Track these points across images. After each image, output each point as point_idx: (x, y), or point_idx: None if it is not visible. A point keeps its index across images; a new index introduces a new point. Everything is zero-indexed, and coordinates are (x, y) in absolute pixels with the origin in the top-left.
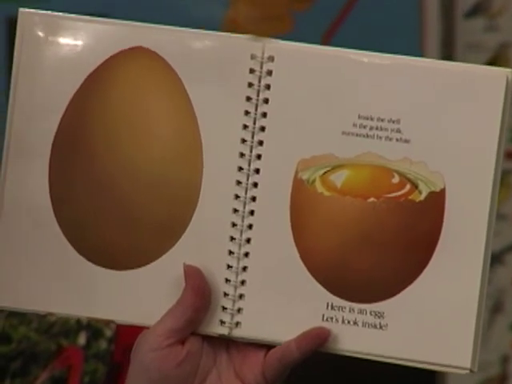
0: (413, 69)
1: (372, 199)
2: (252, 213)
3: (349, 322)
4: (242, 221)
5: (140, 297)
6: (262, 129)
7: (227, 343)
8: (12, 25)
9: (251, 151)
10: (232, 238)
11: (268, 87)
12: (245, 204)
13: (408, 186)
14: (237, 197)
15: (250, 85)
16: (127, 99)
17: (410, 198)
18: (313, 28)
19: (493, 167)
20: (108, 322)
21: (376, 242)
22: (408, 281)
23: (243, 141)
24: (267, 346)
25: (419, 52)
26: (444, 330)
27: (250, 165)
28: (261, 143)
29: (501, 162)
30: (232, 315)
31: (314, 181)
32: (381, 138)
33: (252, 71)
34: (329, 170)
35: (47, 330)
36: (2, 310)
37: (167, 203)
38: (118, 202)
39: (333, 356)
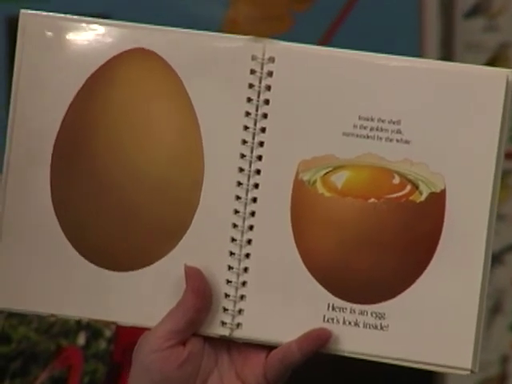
0: (413, 70)
1: (372, 200)
2: (253, 214)
3: (350, 323)
4: (243, 222)
5: (141, 298)
6: (263, 130)
7: (228, 344)
8: (12, 25)
9: (252, 152)
10: (233, 239)
11: (269, 88)
12: (246, 205)
13: (408, 187)
14: (238, 198)
15: (251, 86)
16: (128, 101)
17: (410, 198)
18: (313, 28)
19: (493, 168)
20: (110, 324)
21: (376, 242)
22: (409, 282)
23: (244, 142)
24: (268, 347)
25: (419, 52)
26: (445, 331)
27: (250, 166)
28: (261, 144)
29: (501, 162)
30: (233, 316)
31: (314, 182)
32: (381, 138)
33: (253, 72)
34: (329, 171)
35: (47, 330)
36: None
37: (168, 204)
38: (119, 203)
39: (331, 356)
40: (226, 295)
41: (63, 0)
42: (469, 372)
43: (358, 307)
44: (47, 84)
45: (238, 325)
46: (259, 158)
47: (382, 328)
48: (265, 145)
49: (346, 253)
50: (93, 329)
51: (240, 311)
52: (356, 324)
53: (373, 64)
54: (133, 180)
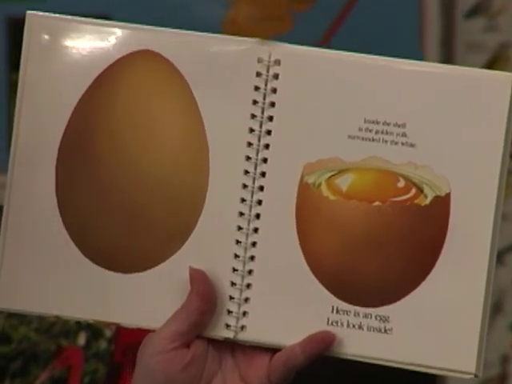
0: (419, 73)
1: (377, 203)
2: (258, 216)
3: (354, 326)
4: (248, 224)
5: (145, 300)
6: (268, 132)
7: (232, 347)
8: (12, 25)
9: (257, 154)
10: (238, 242)
11: (274, 91)
12: (251, 207)
13: (413, 190)
14: (243, 200)
15: (257, 88)
16: (133, 102)
17: (415, 202)
18: (313, 28)
19: (498, 171)
20: (113, 325)
21: (381, 246)
22: (413, 285)
23: (249, 144)
24: (272, 350)
25: (419, 52)
26: (449, 335)
27: (256, 168)
28: (267, 147)
29: (506, 165)
30: (237, 319)
31: (319, 184)
32: (386, 141)
33: (258, 75)
34: (334, 174)
35: (47, 330)
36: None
37: (173, 206)
38: (124, 205)
39: (334, 358)
40: (231, 297)
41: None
42: (472, 376)
43: (362, 310)
44: (53, 85)
45: (243, 327)
46: (264, 160)
47: (385, 331)
48: (270, 147)
49: (350, 256)
50: (93, 329)
51: (244, 314)
52: (360, 327)
53: (379, 67)
54: (138, 182)
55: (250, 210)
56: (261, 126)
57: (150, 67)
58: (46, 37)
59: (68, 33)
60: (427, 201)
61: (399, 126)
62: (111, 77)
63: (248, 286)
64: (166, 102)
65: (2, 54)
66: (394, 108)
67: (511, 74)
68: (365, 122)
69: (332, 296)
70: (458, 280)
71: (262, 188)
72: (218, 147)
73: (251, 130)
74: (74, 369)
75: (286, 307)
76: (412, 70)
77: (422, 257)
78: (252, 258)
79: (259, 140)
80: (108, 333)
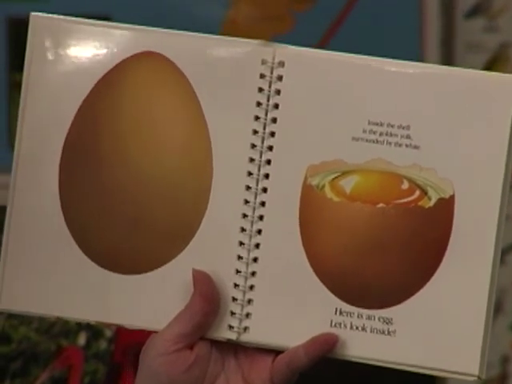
0: (423, 75)
1: (381, 205)
2: (261, 218)
3: (357, 328)
4: (251, 226)
5: (149, 301)
6: (272, 134)
7: (235, 348)
8: (12, 25)
9: (261, 156)
10: (241, 243)
11: (278, 92)
12: (254, 209)
13: (417, 193)
14: (246, 202)
15: (260, 90)
16: (137, 104)
17: (419, 204)
18: (313, 28)
19: (502, 174)
20: (116, 326)
21: (385, 247)
22: (417, 287)
23: (253, 146)
24: (275, 352)
25: (419, 52)
26: (452, 337)
27: (259, 170)
28: (271, 148)
29: (510, 168)
30: (240, 320)
31: (323, 186)
32: (390, 143)
33: (262, 76)
34: (338, 176)
35: (47, 331)
36: None
37: (176, 208)
38: (127, 206)
39: (337, 360)
40: (234, 299)
41: (64, 1)
42: (476, 378)
43: (365, 312)
44: (56, 86)
45: (246, 329)
46: (268, 162)
47: (389, 333)
48: (274, 149)
49: (353, 257)
50: (93, 329)
51: (247, 315)
52: (363, 329)
53: (383, 69)
54: (141, 184)
55: (254, 212)
56: (264, 128)
57: (153, 69)
58: (50, 38)
59: (72, 34)
60: (431, 203)
61: (403, 128)
62: (115, 78)
63: (251, 287)
64: (170, 104)
65: (2, 53)
66: (397, 110)
67: None
68: (369, 123)
69: (335, 298)
70: (461, 282)
71: (265, 190)
72: (222, 149)
73: (255, 132)
74: (74, 369)
75: (289, 309)
76: (417, 72)
77: (425, 259)
78: (255, 259)
79: (263, 142)
80: (108, 333)
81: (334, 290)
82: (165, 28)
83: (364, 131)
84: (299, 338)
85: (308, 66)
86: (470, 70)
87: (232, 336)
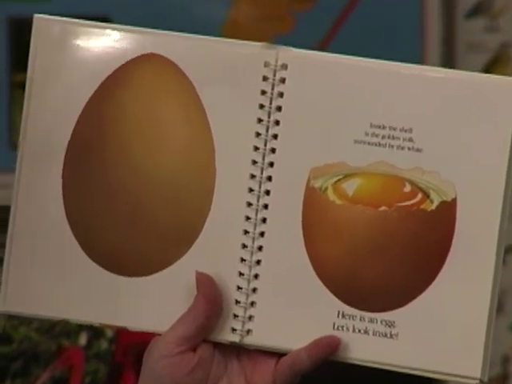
0: (425, 78)
1: (383, 208)
2: (264, 220)
3: (359, 331)
4: (254, 228)
5: (152, 303)
6: (275, 136)
7: (238, 351)
8: (12, 25)
9: (264, 159)
10: (244, 246)
11: (281, 95)
12: (257, 211)
13: (420, 195)
14: (249, 204)
15: (263, 92)
16: (140, 106)
17: (421, 207)
18: (313, 28)
19: (504, 177)
20: (119, 328)
21: (387, 250)
22: (419, 290)
23: (256, 148)
24: (278, 354)
25: (420, 52)
26: (454, 340)
27: (262, 172)
28: (273, 151)
29: None
30: (243, 323)
31: (326, 189)
32: (393, 146)
33: (265, 79)
34: (341, 179)
35: (48, 331)
36: None
37: (179, 210)
38: (130, 208)
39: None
40: (237, 301)
41: (65, 1)
42: (478, 381)
43: (367, 315)
44: (60, 88)
45: (248, 331)
46: (271, 164)
47: (391, 336)
48: (277, 151)
49: (356, 260)
50: (94, 329)
51: (250, 318)
52: (366, 332)
53: (385, 72)
54: (144, 186)
55: (257, 214)
56: (267, 130)
57: (156, 71)
58: (54, 40)
59: (75, 36)
60: (433, 206)
61: (405, 131)
62: (118, 80)
63: (254, 290)
64: (173, 106)
65: (2, 53)
66: (400, 113)
67: None
68: (371, 126)
69: (338, 300)
70: (463, 285)
71: (268, 192)
72: (225, 151)
73: (258, 134)
74: (74, 369)
75: (292, 311)
76: (419, 74)
77: (427, 262)
78: (258, 262)
79: (265, 144)
80: (109, 333)
81: (336, 293)
82: (165, 29)
83: (366, 134)
84: (302, 340)
85: (311, 68)
86: (472, 73)
87: (235, 338)
